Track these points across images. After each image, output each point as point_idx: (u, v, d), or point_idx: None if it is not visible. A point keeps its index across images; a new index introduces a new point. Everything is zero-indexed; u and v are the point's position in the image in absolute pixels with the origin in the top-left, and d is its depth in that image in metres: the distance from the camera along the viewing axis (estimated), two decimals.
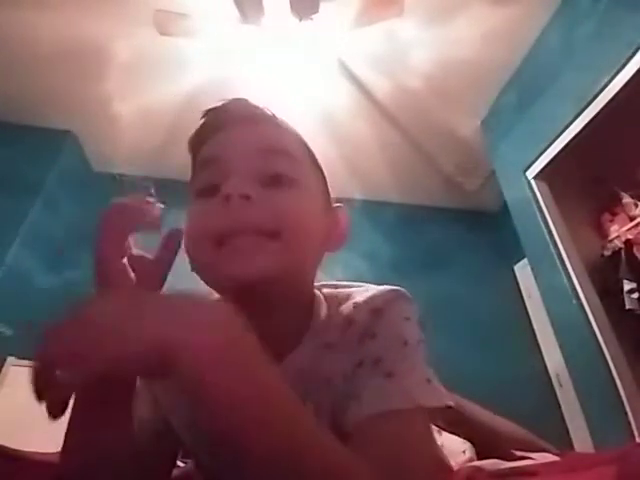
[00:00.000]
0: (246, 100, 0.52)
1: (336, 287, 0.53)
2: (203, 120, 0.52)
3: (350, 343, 0.45)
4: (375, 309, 0.46)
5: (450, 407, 0.43)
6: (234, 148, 0.47)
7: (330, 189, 0.53)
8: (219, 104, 0.52)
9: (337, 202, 0.53)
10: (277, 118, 0.51)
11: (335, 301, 0.50)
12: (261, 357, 0.31)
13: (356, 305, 0.47)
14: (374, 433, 0.39)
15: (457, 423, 0.67)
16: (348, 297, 0.49)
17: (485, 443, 0.65)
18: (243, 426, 0.28)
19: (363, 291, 0.49)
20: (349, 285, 0.53)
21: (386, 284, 0.50)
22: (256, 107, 0.51)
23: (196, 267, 0.46)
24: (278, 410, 0.30)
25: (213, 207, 0.43)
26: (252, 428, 0.28)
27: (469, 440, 0.66)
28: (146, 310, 0.29)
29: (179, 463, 0.56)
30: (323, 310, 0.49)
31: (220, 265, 0.42)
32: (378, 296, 0.47)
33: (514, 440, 0.68)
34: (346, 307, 0.48)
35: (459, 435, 0.66)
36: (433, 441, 0.53)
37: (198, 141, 0.51)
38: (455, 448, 0.61)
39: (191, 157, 0.52)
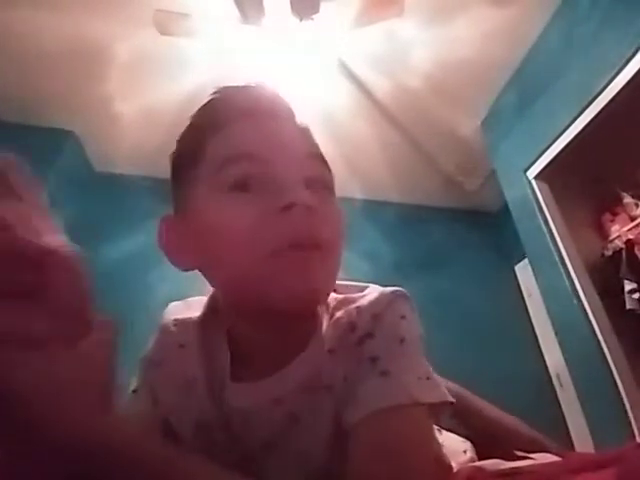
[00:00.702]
0: (271, 90, 0.50)
1: (334, 289, 0.51)
2: (222, 97, 0.48)
3: (350, 347, 0.45)
4: (375, 314, 0.45)
5: (452, 404, 0.43)
6: (281, 146, 0.44)
7: None
8: (242, 85, 0.49)
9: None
10: (297, 115, 0.50)
11: (338, 305, 0.49)
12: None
13: (359, 310, 0.46)
14: (371, 431, 0.38)
15: (464, 415, 0.67)
16: (350, 302, 0.48)
17: (491, 437, 0.65)
18: None
19: (365, 295, 0.48)
20: (349, 286, 0.52)
21: (387, 284, 0.50)
22: (287, 102, 0.49)
23: (234, 277, 0.43)
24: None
25: (266, 212, 0.40)
26: None
27: (473, 434, 0.66)
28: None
29: None
30: (327, 315, 0.48)
31: (280, 279, 0.40)
32: (379, 300, 0.46)
33: (523, 438, 0.68)
34: (349, 312, 0.47)
35: (462, 429, 0.66)
36: (434, 439, 0.53)
37: (217, 120, 0.45)
38: (456, 448, 0.61)
39: (200, 131, 0.46)
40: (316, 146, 0.49)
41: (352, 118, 2.71)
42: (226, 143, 0.43)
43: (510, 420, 0.72)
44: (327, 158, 0.49)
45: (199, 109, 0.49)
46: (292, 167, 0.43)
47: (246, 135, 0.44)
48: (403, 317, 0.46)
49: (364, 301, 0.47)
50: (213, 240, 0.43)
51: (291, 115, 0.49)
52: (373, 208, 3.34)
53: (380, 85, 2.52)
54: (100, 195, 2.84)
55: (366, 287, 0.51)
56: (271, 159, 0.42)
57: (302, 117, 0.50)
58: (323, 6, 1.87)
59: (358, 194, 3.23)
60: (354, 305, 0.47)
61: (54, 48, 2.19)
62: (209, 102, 0.48)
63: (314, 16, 1.87)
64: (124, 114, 2.54)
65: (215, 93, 0.48)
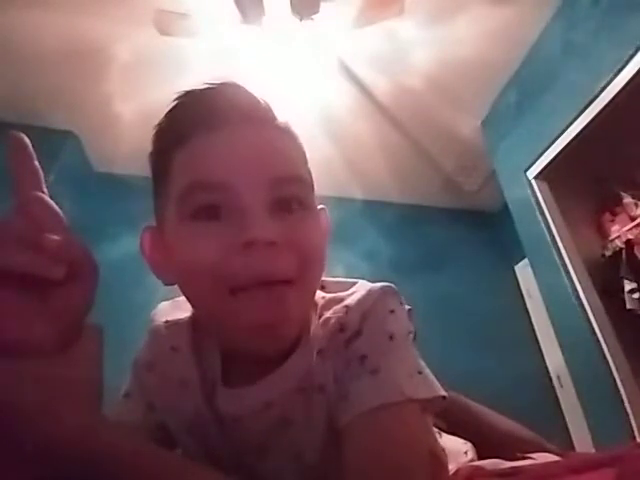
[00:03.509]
0: (241, 90, 0.44)
1: (322, 287, 0.51)
2: (186, 103, 0.44)
3: (340, 347, 0.44)
4: (364, 312, 0.45)
5: (444, 397, 0.42)
6: (246, 167, 0.40)
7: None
8: (208, 88, 0.44)
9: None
10: (276, 117, 0.45)
11: (326, 305, 0.48)
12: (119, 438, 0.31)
13: (348, 309, 0.46)
14: (364, 430, 0.38)
15: (463, 424, 0.67)
16: (339, 300, 0.47)
17: (492, 444, 0.65)
18: None
19: (353, 293, 0.48)
20: (337, 282, 0.52)
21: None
22: (255, 102, 0.44)
23: (202, 311, 0.45)
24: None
25: (226, 248, 0.38)
26: None
27: (473, 440, 0.66)
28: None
29: None
30: (315, 317, 0.48)
31: (241, 320, 0.39)
32: (367, 297, 0.46)
33: (521, 441, 0.67)
34: (337, 312, 0.46)
35: (463, 437, 0.66)
36: (428, 435, 0.52)
37: (181, 132, 0.42)
38: (457, 449, 0.60)
39: (165, 143, 0.44)
40: (289, 160, 0.43)
41: (352, 118, 2.71)
42: (188, 165, 0.41)
43: (509, 424, 0.72)
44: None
45: (164, 116, 0.45)
46: (257, 191, 0.39)
47: (209, 157, 0.40)
48: (392, 311, 0.45)
49: (353, 300, 0.46)
50: (178, 270, 0.42)
51: (265, 117, 0.44)
52: (373, 208, 3.34)
53: (380, 85, 2.52)
54: (100, 195, 2.84)
55: (354, 283, 0.51)
56: (234, 184, 0.39)
57: (283, 114, 0.45)
58: (323, 6, 1.86)
59: (358, 194, 3.23)
60: (343, 304, 0.46)
61: (54, 48, 2.19)
62: (173, 109, 0.44)
63: (314, 16, 1.87)
64: (124, 114, 2.54)
65: (178, 98, 0.44)
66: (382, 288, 0.47)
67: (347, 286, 0.50)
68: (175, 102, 0.45)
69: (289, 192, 0.42)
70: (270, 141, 0.43)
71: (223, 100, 0.43)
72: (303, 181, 0.44)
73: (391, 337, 0.43)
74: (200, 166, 0.40)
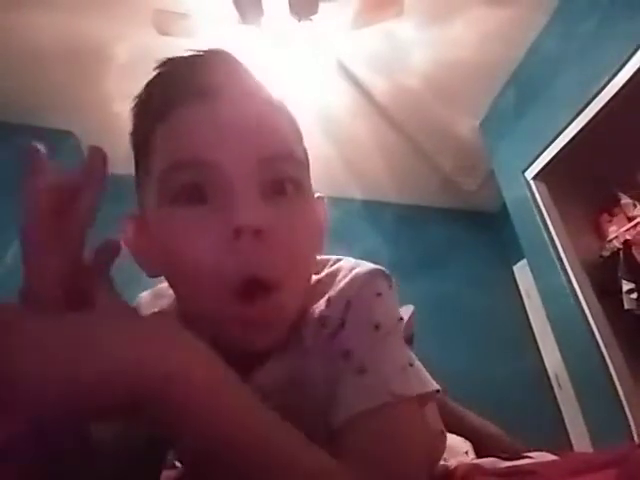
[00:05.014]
0: (229, 58, 0.41)
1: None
2: (168, 72, 0.40)
3: (324, 343, 0.41)
4: (348, 300, 0.41)
5: (438, 391, 0.40)
6: (234, 143, 0.36)
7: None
8: (193, 55, 0.40)
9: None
10: (269, 91, 0.41)
11: (312, 298, 0.44)
12: (246, 392, 0.30)
13: (330, 301, 0.42)
14: (355, 436, 0.36)
15: (445, 424, 0.67)
16: (323, 293, 0.43)
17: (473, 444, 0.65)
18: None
19: (338, 280, 0.43)
20: (322, 260, 0.47)
21: None
22: (245, 73, 0.40)
23: (194, 309, 0.40)
24: (275, 454, 0.29)
25: (218, 243, 0.35)
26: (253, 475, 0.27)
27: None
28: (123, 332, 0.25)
29: (176, 464, 0.55)
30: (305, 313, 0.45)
31: (242, 330, 0.37)
32: (351, 284, 0.42)
33: (500, 443, 0.67)
34: (320, 305, 0.42)
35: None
36: (424, 430, 0.51)
37: (163, 103, 0.38)
38: (458, 448, 0.60)
39: (146, 115, 0.40)
40: (281, 137, 0.39)
41: (350, 118, 2.71)
42: (169, 142, 0.37)
43: (492, 428, 0.72)
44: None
45: (143, 88, 0.41)
46: (245, 169, 0.36)
47: (192, 132, 0.36)
48: (379, 294, 0.41)
49: (335, 289, 0.42)
50: (164, 261, 0.38)
51: (256, 90, 0.39)
52: (371, 208, 3.34)
53: (379, 85, 2.52)
54: (100, 195, 2.84)
55: (339, 260, 0.47)
56: (220, 161, 0.35)
57: (277, 89, 0.41)
58: (322, 7, 1.86)
59: (356, 194, 3.23)
60: (325, 297, 0.42)
61: (53, 48, 2.19)
62: (153, 80, 0.40)
63: (313, 17, 1.87)
64: (123, 114, 2.53)
65: (159, 67, 0.40)
66: (370, 272, 0.42)
67: (332, 262, 0.46)
68: (156, 72, 0.40)
69: (282, 172, 0.38)
70: (260, 116, 0.38)
71: (209, 69, 0.39)
72: (297, 160, 0.40)
73: (377, 327, 0.39)
74: (182, 142, 0.36)
